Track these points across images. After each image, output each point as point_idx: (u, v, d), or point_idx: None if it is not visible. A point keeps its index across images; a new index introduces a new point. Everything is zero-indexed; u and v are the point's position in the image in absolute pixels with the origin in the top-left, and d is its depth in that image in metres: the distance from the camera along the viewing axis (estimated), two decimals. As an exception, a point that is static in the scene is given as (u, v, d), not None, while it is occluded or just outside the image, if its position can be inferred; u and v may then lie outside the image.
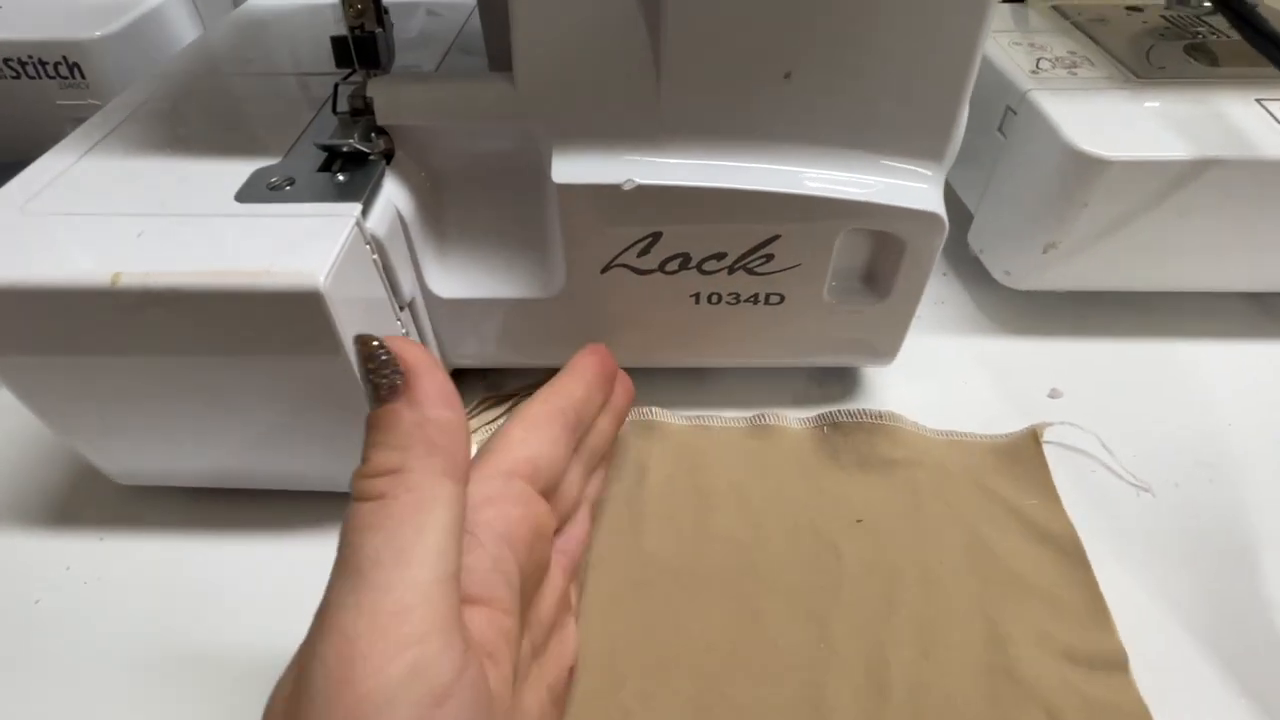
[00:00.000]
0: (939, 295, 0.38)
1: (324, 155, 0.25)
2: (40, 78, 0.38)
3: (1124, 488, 0.29)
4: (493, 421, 0.32)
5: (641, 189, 0.24)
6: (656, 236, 0.26)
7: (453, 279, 0.28)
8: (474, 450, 0.28)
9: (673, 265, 0.27)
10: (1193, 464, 0.30)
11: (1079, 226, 0.31)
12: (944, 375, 0.34)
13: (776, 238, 0.26)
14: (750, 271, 0.27)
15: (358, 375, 0.16)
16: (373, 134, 0.26)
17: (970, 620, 0.25)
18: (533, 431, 0.21)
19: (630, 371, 0.27)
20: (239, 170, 0.25)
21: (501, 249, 0.28)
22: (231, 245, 0.22)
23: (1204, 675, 0.24)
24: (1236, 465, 0.30)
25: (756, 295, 0.28)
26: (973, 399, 0.33)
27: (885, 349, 0.31)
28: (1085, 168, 0.29)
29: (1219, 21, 0.37)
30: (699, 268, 0.27)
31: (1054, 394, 0.33)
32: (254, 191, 0.24)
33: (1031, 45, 0.36)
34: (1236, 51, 0.34)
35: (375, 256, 0.24)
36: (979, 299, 0.38)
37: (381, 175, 0.25)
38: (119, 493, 0.29)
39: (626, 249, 0.26)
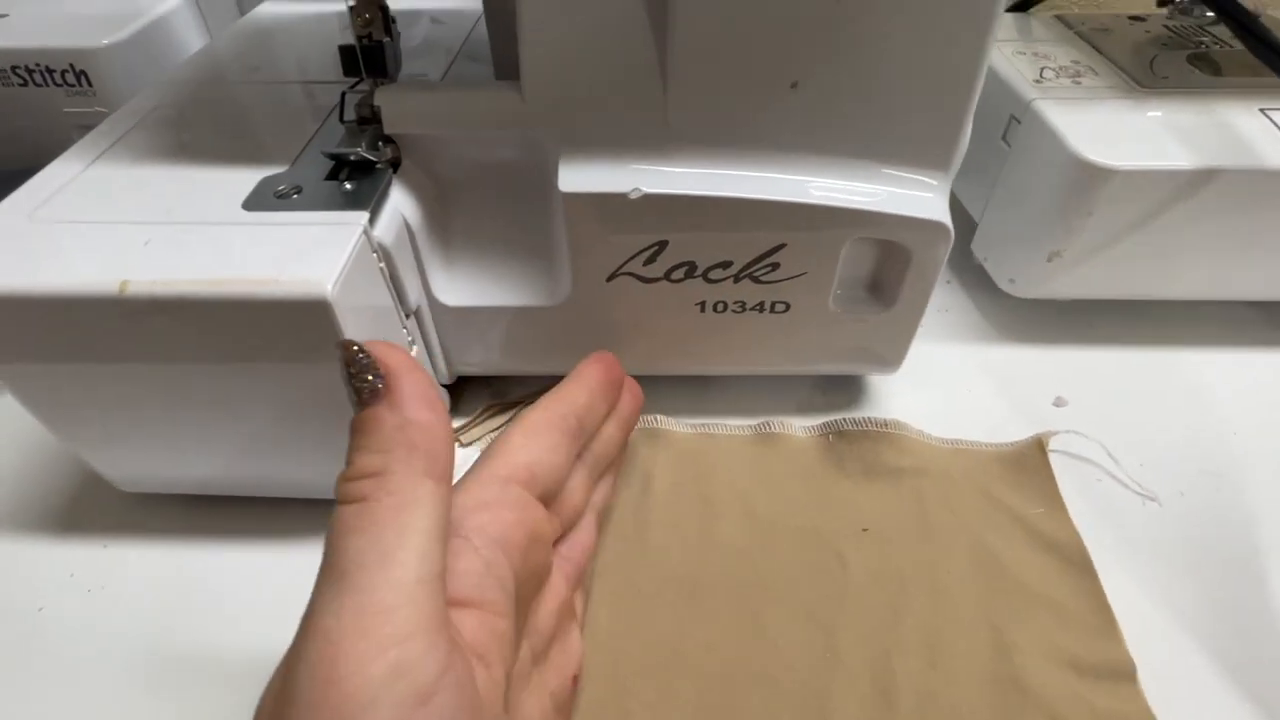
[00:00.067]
0: (943, 303, 0.38)
1: (331, 163, 0.25)
2: (47, 85, 0.38)
3: (1130, 496, 0.29)
4: (497, 429, 0.32)
5: (648, 198, 0.24)
6: (662, 245, 0.26)
7: (458, 287, 0.28)
8: (476, 456, 0.28)
9: (678, 274, 0.27)
10: (1198, 473, 0.30)
11: (1083, 235, 0.31)
12: (948, 383, 0.34)
13: (782, 246, 0.26)
14: (756, 280, 0.27)
15: (341, 379, 0.16)
16: (380, 142, 0.26)
17: (976, 629, 0.25)
18: (532, 438, 0.21)
19: (635, 379, 0.27)
20: (246, 178, 0.25)
21: (507, 257, 0.28)
22: (239, 253, 0.22)
23: (1210, 684, 0.24)
24: (1242, 474, 0.30)
25: (762, 304, 0.28)
26: (977, 407, 0.33)
27: (890, 357, 0.31)
28: (1090, 177, 0.29)
29: (1222, 31, 0.37)
30: (705, 276, 0.27)
31: (1059, 402, 0.33)
32: (261, 199, 0.24)
33: (1035, 54, 0.36)
34: (1240, 61, 0.34)
35: (382, 265, 0.24)
36: (983, 307, 0.38)
37: (388, 184, 0.25)
38: (122, 500, 0.29)
39: (632, 257, 0.26)
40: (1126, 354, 0.35)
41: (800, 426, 0.31)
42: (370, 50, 0.25)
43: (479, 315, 0.29)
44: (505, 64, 0.28)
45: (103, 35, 0.38)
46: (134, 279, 0.21)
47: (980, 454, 0.30)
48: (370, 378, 0.16)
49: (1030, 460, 0.30)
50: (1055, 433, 0.30)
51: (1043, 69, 0.35)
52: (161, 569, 0.28)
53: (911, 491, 0.29)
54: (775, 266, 0.26)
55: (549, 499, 0.21)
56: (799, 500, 0.29)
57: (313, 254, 0.21)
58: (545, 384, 0.33)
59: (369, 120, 0.26)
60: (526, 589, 0.19)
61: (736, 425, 0.31)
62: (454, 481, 0.18)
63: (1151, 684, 0.23)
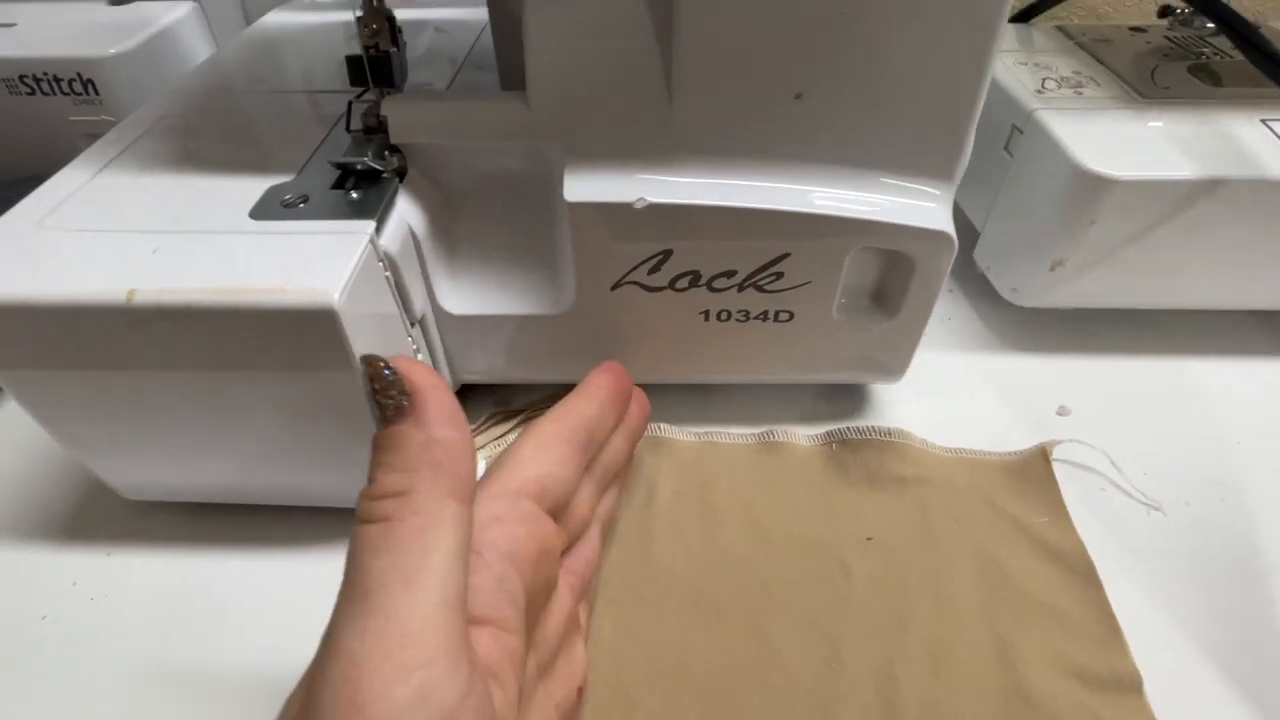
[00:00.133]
0: (946, 312, 0.39)
1: (337, 173, 0.26)
2: (55, 94, 0.38)
3: (1134, 506, 0.29)
4: (501, 437, 0.32)
5: (653, 207, 0.24)
6: (667, 254, 0.26)
7: (463, 295, 0.28)
8: (481, 469, 0.28)
9: (683, 283, 0.27)
10: (1203, 482, 0.30)
11: (1086, 245, 0.31)
12: (952, 392, 0.34)
13: (786, 256, 0.26)
14: (760, 289, 0.27)
15: (364, 395, 0.16)
16: (386, 152, 0.26)
17: (981, 639, 0.25)
18: (542, 450, 0.21)
19: (642, 389, 0.27)
20: (253, 187, 0.25)
21: (512, 265, 0.29)
22: (246, 262, 0.22)
23: (1215, 694, 0.24)
24: (1247, 483, 0.30)
25: (766, 313, 0.28)
26: (981, 416, 0.33)
27: (894, 366, 0.31)
28: (1092, 187, 0.29)
29: (1222, 42, 0.37)
30: (709, 285, 0.27)
31: (1062, 411, 0.33)
32: (268, 208, 0.24)
33: (1036, 65, 0.36)
34: (1240, 72, 0.34)
35: (388, 274, 0.24)
36: (986, 316, 0.38)
37: (394, 193, 0.25)
38: (126, 508, 0.29)
39: (637, 266, 0.26)
40: (1130, 363, 0.35)
41: (804, 435, 0.31)
42: (377, 60, 0.26)
43: (483, 323, 0.29)
44: (511, 74, 0.29)
45: (110, 45, 0.38)
46: (141, 287, 0.21)
47: (984, 463, 0.30)
48: (395, 394, 0.16)
49: (1034, 469, 0.30)
50: (1059, 442, 0.30)
51: (1044, 79, 0.35)
52: (165, 577, 0.28)
53: (915, 500, 0.29)
54: (779, 276, 0.27)
55: (558, 512, 0.21)
56: (803, 509, 0.29)
57: (319, 263, 0.22)
58: (549, 392, 0.34)
59: (375, 129, 0.27)
60: (535, 603, 0.19)
61: (740, 434, 0.32)
62: None
63: (1155, 694, 0.23)
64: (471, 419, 0.33)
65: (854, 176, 0.25)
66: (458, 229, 0.28)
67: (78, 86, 0.38)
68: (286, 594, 0.27)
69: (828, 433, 0.31)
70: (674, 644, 0.25)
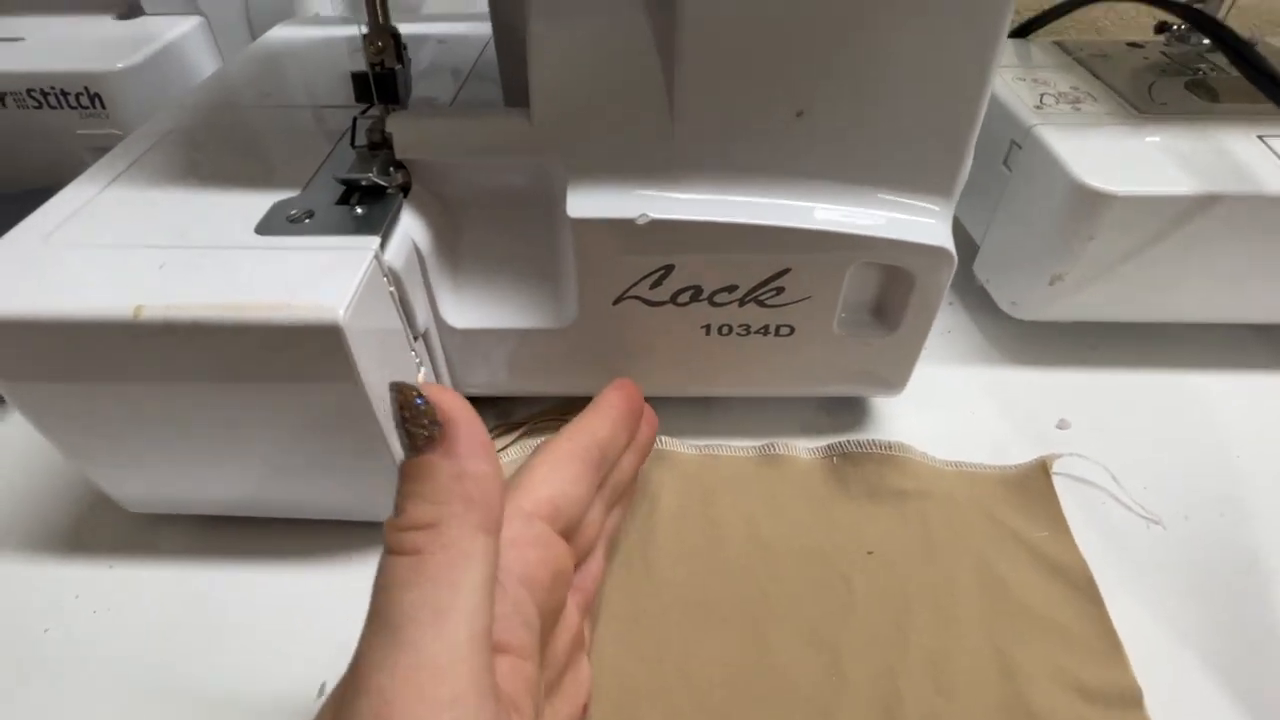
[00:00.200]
0: (946, 325, 0.39)
1: (342, 188, 0.26)
2: (62, 108, 0.38)
3: (1134, 519, 0.29)
4: (502, 449, 0.32)
5: (654, 223, 0.25)
6: (668, 269, 0.26)
7: (466, 309, 0.29)
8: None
9: (684, 297, 0.27)
10: (1202, 496, 0.30)
11: (1084, 259, 0.31)
12: (952, 405, 0.34)
13: (787, 271, 0.26)
14: (761, 304, 0.27)
15: (394, 422, 0.16)
16: (391, 167, 0.26)
17: (981, 652, 0.25)
18: (556, 471, 0.21)
19: (650, 406, 0.27)
20: (259, 202, 0.25)
21: (515, 280, 0.29)
22: (251, 278, 0.22)
23: (1216, 707, 0.24)
24: (1246, 496, 0.30)
25: (767, 327, 0.28)
26: (981, 429, 0.33)
27: (894, 380, 0.31)
28: (1091, 202, 0.29)
29: (1219, 58, 0.38)
30: (710, 300, 0.27)
31: (1062, 424, 0.33)
32: (274, 224, 0.24)
33: (1035, 80, 0.37)
34: (1237, 87, 0.35)
35: (392, 289, 0.24)
36: (986, 328, 0.38)
37: (399, 208, 0.26)
38: (129, 520, 0.29)
39: (639, 281, 0.27)
40: (1129, 376, 0.36)
41: (805, 448, 0.31)
42: (382, 77, 0.26)
43: (486, 337, 0.29)
44: (514, 90, 0.29)
45: (117, 59, 0.38)
46: (148, 304, 0.21)
47: (984, 477, 0.30)
48: (426, 424, 0.16)
49: (1034, 483, 0.30)
50: (1059, 455, 0.31)
51: (1043, 95, 0.35)
52: (168, 590, 0.28)
53: (916, 514, 0.29)
54: (780, 290, 0.27)
55: (569, 532, 0.21)
56: (804, 522, 0.29)
57: (324, 279, 0.22)
58: (551, 404, 0.34)
59: (380, 145, 0.27)
60: (547, 625, 0.19)
61: (741, 446, 0.32)
62: None
63: (1155, 708, 0.23)
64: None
65: (854, 192, 0.25)
66: (461, 243, 0.29)
67: (85, 100, 0.38)
68: (290, 607, 0.27)
69: (829, 446, 0.31)
70: (676, 656, 0.25)
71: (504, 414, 0.34)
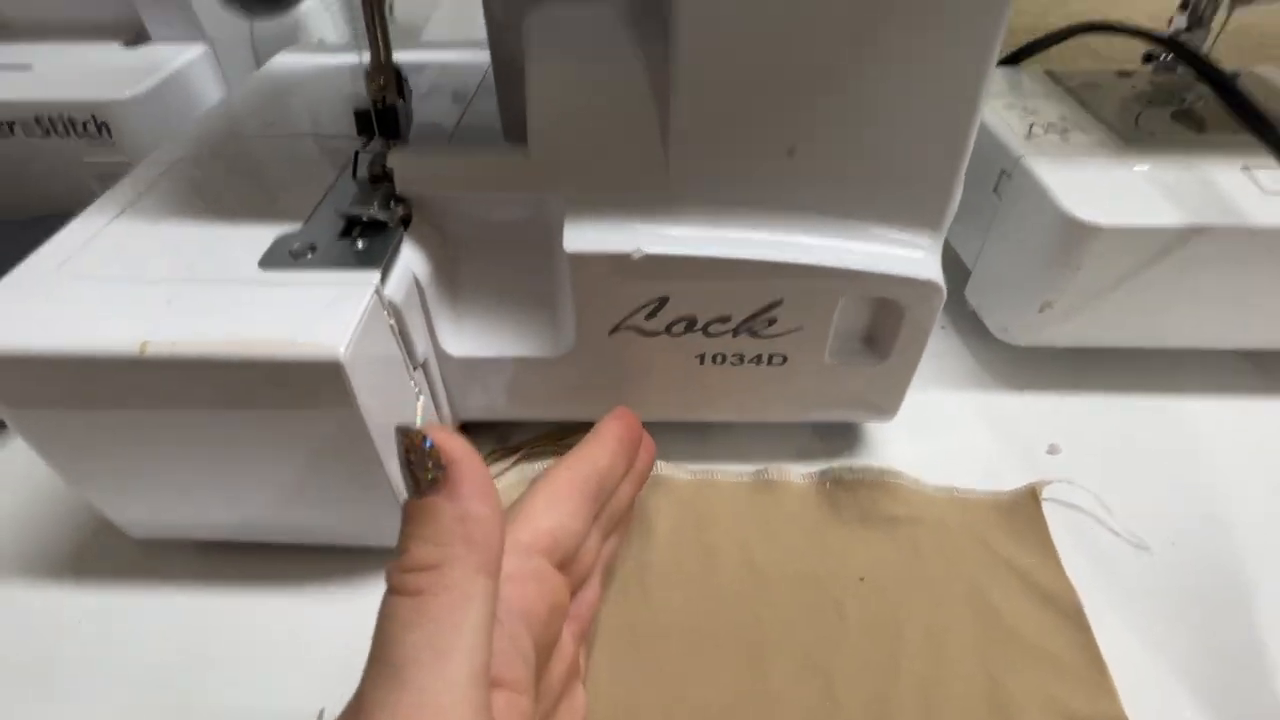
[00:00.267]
0: (938, 349, 0.39)
1: (344, 222, 0.26)
2: (69, 136, 0.39)
3: (1123, 545, 0.30)
4: (500, 474, 0.33)
5: (650, 257, 0.25)
6: (663, 301, 0.27)
7: (465, 338, 0.29)
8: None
9: (679, 328, 0.28)
10: (1190, 522, 0.31)
11: (1073, 288, 0.32)
12: (944, 430, 0.35)
13: (779, 303, 0.27)
14: (754, 334, 0.28)
15: (399, 464, 0.17)
16: (391, 201, 0.27)
17: (973, 679, 0.25)
18: (555, 503, 0.22)
19: (648, 434, 0.28)
20: (263, 235, 0.26)
21: (513, 310, 0.29)
22: (255, 313, 0.23)
23: (1205, 738, 0.24)
24: (1234, 523, 0.30)
25: (760, 356, 0.29)
26: (973, 453, 0.34)
27: (886, 406, 0.31)
28: (1078, 233, 0.30)
29: (1205, 88, 0.38)
30: (704, 330, 0.28)
31: (1052, 450, 0.34)
32: (277, 258, 0.25)
33: (1024, 109, 0.37)
34: (1222, 118, 0.35)
35: (392, 322, 0.25)
36: (978, 353, 0.39)
37: (399, 242, 0.26)
38: (132, 547, 0.30)
39: (634, 312, 0.27)
40: (1119, 401, 0.36)
41: (799, 473, 0.32)
42: (384, 113, 0.27)
43: (485, 366, 0.29)
44: (513, 126, 0.30)
45: (125, 88, 0.39)
46: (153, 339, 0.21)
47: (976, 503, 0.31)
48: (431, 466, 0.16)
49: (1024, 510, 0.30)
50: (1049, 482, 0.31)
51: (1031, 125, 0.36)
52: (171, 616, 0.28)
53: (908, 540, 0.29)
54: (773, 321, 0.27)
55: (566, 563, 0.22)
56: (797, 548, 0.29)
57: (326, 315, 0.22)
58: (548, 429, 0.34)
59: (381, 179, 0.27)
60: (541, 657, 0.20)
61: (736, 471, 0.32)
62: None
63: (1145, 737, 0.24)
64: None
65: (845, 227, 0.26)
66: (460, 274, 0.29)
67: (92, 129, 0.39)
68: (292, 633, 0.27)
69: (822, 471, 0.32)
70: (671, 682, 0.25)
71: (502, 438, 0.34)
